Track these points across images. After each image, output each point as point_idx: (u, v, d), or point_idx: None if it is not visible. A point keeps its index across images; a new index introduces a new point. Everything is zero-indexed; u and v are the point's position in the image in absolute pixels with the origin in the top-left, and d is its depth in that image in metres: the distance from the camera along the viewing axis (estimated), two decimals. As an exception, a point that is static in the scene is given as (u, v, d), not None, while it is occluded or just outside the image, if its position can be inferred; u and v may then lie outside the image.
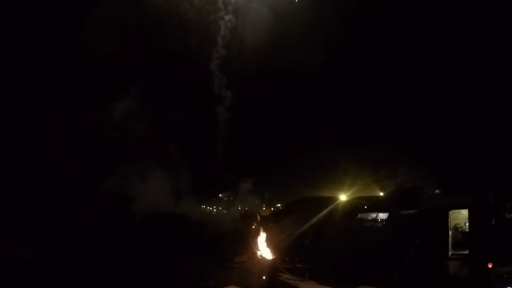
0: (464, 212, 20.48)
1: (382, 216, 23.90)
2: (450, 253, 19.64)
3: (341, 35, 27.75)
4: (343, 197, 28.77)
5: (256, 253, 23.31)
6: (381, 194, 29.01)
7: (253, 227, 26.70)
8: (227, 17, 27.62)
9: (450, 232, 20.31)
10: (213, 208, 42.76)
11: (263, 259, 22.81)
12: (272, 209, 39.34)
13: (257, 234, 24.52)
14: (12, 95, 24.96)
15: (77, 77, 26.28)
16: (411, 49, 27.42)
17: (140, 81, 27.98)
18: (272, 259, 22.77)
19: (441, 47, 25.98)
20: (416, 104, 28.42)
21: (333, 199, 28.46)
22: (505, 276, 14.87)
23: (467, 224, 20.36)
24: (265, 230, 25.02)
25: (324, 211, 26.56)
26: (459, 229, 20.83)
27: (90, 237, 21.80)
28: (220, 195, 41.38)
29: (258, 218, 29.55)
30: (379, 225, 23.73)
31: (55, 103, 26.28)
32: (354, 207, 26.24)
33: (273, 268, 21.06)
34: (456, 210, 20.78)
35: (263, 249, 23.58)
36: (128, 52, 27.52)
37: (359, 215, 25.41)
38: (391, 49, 27.98)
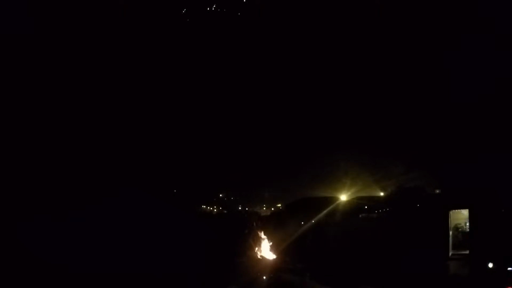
0: (465, 212, 20.53)
1: (383, 216, 23.91)
2: (450, 253, 19.69)
3: (340, 33, 27.69)
4: (343, 197, 28.70)
5: (256, 253, 23.35)
6: (382, 194, 28.97)
7: (254, 226, 26.74)
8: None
9: (451, 232, 20.36)
10: (213, 208, 42.71)
11: (263, 259, 22.84)
12: (272, 209, 39.35)
13: (258, 234, 24.55)
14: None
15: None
16: (411, 46, 27.31)
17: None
18: (273, 259, 22.79)
19: (441, 44, 25.89)
20: (416, 103, 28.32)
21: (334, 199, 28.39)
22: (506, 276, 14.90)
23: (467, 224, 20.40)
24: (265, 230, 25.04)
25: (325, 211, 26.53)
26: (460, 229, 20.87)
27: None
28: (220, 195, 41.40)
29: (259, 218, 29.58)
30: (380, 225, 23.72)
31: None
32: (355, 207, 26.22)
33: (273, 268, 21.09)
34: (456, 210, 20.83)
35: (264, 249, 23.62)
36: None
37: (360, 215, 25.42)
38: (389, 47, 27.87)
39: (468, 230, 20.32)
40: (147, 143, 29.41)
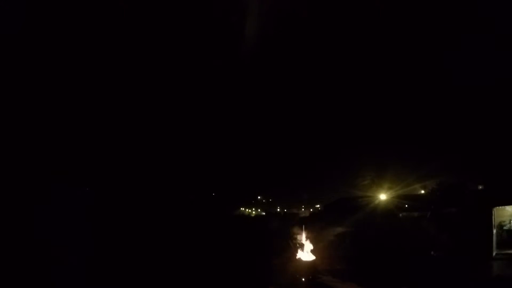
0: (510, 209, 19.83)
1: (424, 214, 23.42)
2: (494, 253, 18.99)
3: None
4: (383, 196, 28.32)
5: (294, 255, 23.35)
6: (422, 192, 28.35)
7: (292, 228, 26.77)
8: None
9: (494, 230, 19.64)
10: (251, 210, 43.03)
11: (302, 260, 22.83)
12: (311, 210, 39.22)
13: (296, 235, 24.54)
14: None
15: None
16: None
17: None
18: (312, 260, 22.72)
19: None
20: (456, 99, 27.59)
21: (373, 199, 28.10)
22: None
23: (512, 221, 19.72)
24: (304, 231, 24.97)
25: (364, 211, 26.28)
26: (504, 227, 20.16)
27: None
28: (258, 197, 41.68)
29: (297, 219, 29.58)
30: (421, 224, 23.24)
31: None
32: (395, 206, 25.86)
33: (312, 269, 21.05)
34: (500, 207, 20.11)
35: (302, 251, 23.58)
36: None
37: (400, 214, 25.01)
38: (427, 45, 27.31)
39: (513, 228, 19.63)
40: (181, 145, 30.08)
